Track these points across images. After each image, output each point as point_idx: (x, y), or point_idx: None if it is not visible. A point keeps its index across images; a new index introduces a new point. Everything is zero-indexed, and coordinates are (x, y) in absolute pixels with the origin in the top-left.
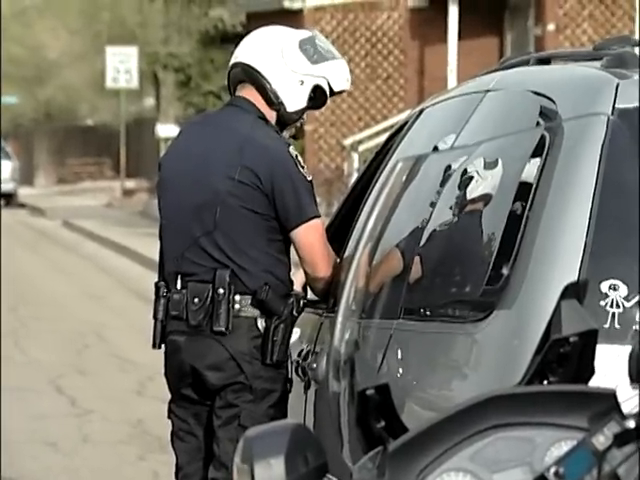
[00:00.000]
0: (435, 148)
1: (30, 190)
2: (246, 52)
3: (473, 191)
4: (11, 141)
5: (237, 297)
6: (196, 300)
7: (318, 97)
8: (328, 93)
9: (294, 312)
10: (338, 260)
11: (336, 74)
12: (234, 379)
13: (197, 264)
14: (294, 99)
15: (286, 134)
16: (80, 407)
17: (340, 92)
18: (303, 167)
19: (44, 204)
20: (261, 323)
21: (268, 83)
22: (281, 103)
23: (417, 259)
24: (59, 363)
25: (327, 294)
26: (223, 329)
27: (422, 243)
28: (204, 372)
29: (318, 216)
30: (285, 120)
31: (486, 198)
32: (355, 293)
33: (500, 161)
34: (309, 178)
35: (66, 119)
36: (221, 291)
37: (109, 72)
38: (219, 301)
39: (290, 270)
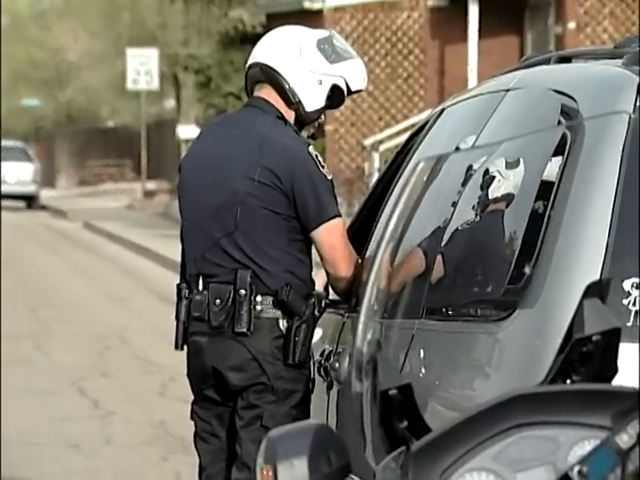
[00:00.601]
0: (457, 148)
1: (51, 192)
2: (264, 52)
3: (495, 191)
4: (32, 144)
5: (259, 298)
6: (218, 301)
7: (336, 96)
8: (346, 92)
9: (316, 312)
10: (360, 260)
11: (354, 73)
12: (256, 380)
13: (218, 265)
14: (313, 99)
15: (304, 134)
16: (103, 409)
17: (357, 91)
18: (323, 166)
19: (65, 206)
20: (283, 324)
21: (287, 83)
22: (299, 102)
23: (439, 258)
24: (81, 365)
25: (349, 294)
26: (245, 330)
27: (444, 242)
28: (226, 373)
29: (339, 215)
30: (304, 120)
31: (508, 197)
32: (377, 293)
33: (521, 160)
34: (329, 177)
35: (87, 121)
36: (243, 292)
37: (129, 74)
38: (241, 302)
39: (312, 270)
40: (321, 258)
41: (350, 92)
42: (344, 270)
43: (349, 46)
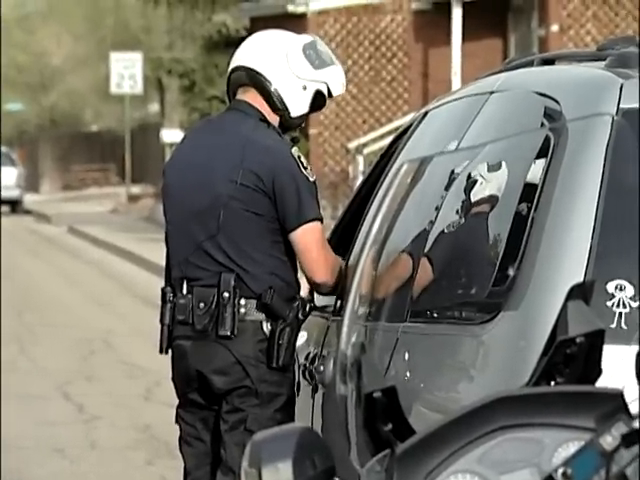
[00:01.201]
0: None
1: (35, 197)
2: (249, 56)
3: (478, 193)
4: (16, 148)
5: (242, 301)
6: (202, 305)
7: (318, 101)
8: (327, 97)
9: (299, 316)
10: (342, 263)
11: (335, 79)
12: (240, 383)
13: (202, 268)
14: (298, 104)
15: (286, 138)
16: (87, 413)
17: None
18: (306, 168)
19: (49, 210)
20: (267, 327)
21: (272, 87)
22: (286, 108)
23: (425, 261)
24: (66, 369)
25: (334, 292)
26: (229, 333)
27: (428, 245)
28: (210, 376)
29: (318, 218)
30: (289, 125)
31: (491, 200)
32: (361, 296)
33: (505, 162)
34: (312, 179)
35: (71, 125)
36: (226, 295)
37: (113, 78)
38: (224, 305)
39: (296, 272)
40: (299, 261)
41: (330, 96)
42: (319, 275)
43: (330, 51)
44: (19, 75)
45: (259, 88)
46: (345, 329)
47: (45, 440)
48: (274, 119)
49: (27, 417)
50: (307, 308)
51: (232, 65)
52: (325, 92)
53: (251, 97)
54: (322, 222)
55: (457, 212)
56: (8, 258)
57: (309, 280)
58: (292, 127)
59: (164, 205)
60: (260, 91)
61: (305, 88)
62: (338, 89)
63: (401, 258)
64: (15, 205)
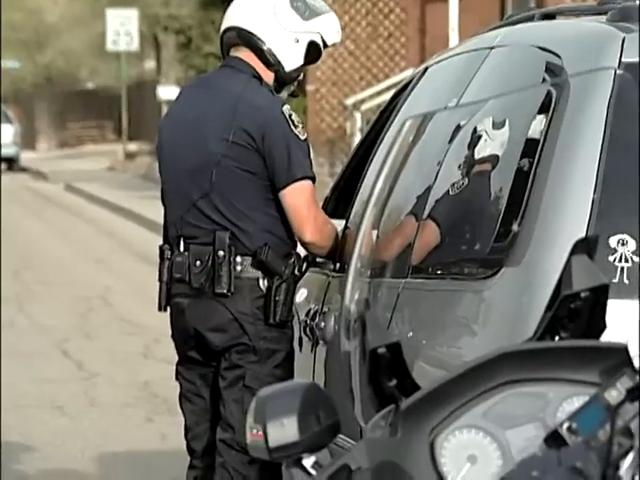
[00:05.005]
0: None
1: (32, 154)
2: (238, 15)
3: (482, 150)
4: (12, 105)
5: (238, 258)
6: (198, 263)
7: (312, 52)
8: (322, 47)
9: (296, 272)
10: (335, 226)
11: (328, 28)
12: (237, 340)
13: (197, 227)
14: (291, 58)
15: (285, 94)
16: (86, 370)
17: (333, 45)
18: (297, 126)
19: (46, 168)
20: (263, 284)
21: (264, 45)
22: (279, 63)
23: (431, 223)
24: (65, 327)
25: (331, 256)
26: (225, 291)
27: (431, 202)
28: (207, 334)
29: (309, 177)
30: (284, 80)
31: (493, 158)
32: (365, 253)
33: (507, 118)
34: (303, 137)
35: (67, 83)
36: (221, 253)
37: (109, 35)
38: (220, 263)
39: (291, 229)
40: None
41: (325, 46)
42: (307, 234)
43: (320, 0)
44: (14, 33)
45: (251, 46)
46: (349, 285)
47: (44, 397)
48: (269, 75)
49: (26, 375)
50: (304, 264)
51: (223, 26)
52: (320, 42)
53: (244, 55)
54: (314, 181)
55: (460, 168)
56: (5, 216)
57: (298, 239)
58: (289, 81)
59: (159, 164)
60: (252, 49)
61: (297, 41)
62: (333, 37)
63: (407, 218)
64: (11, 163)
